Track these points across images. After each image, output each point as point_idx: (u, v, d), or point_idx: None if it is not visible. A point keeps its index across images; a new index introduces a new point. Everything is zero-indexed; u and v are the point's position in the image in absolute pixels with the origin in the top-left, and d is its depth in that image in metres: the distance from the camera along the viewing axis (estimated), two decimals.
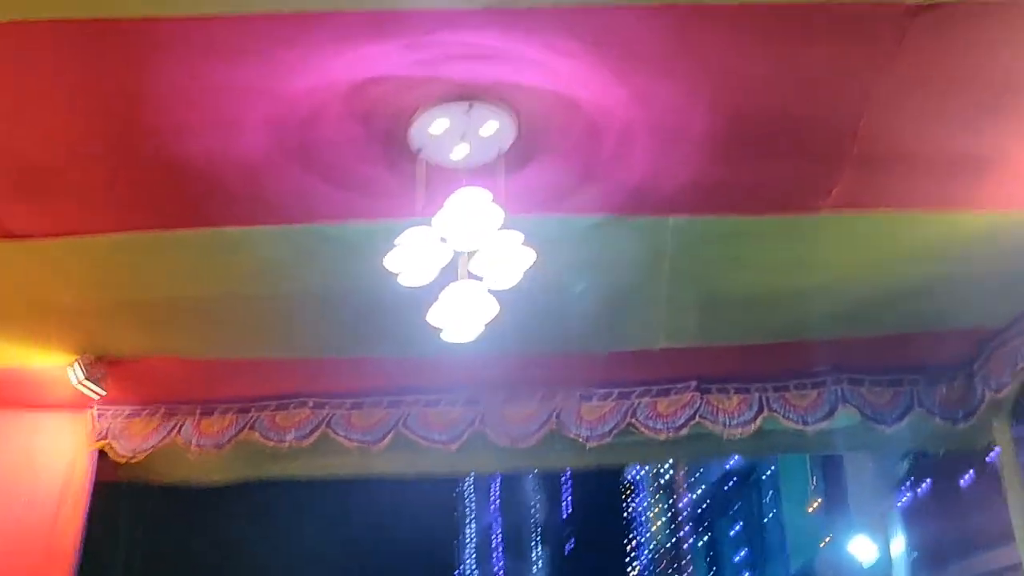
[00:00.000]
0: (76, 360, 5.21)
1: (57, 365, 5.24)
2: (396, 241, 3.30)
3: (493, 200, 3.30)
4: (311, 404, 5.79)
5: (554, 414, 5.61)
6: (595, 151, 3.58)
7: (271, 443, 5.77)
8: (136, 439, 5.78)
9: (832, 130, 3.44)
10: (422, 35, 2.96)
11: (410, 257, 3.32)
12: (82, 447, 5.73)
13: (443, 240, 3.33)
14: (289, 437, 5.77)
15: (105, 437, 5.76)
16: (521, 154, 3.54)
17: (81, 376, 5.22)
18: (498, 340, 3.72)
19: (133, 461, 5.76)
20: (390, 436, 5.68)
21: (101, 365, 5.33)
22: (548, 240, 3.60)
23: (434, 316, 3.36)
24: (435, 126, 3.35)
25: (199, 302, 4.68)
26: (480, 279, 3.38)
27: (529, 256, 3.39)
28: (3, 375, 5.40)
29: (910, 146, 3.53)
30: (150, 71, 3.10)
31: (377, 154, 3.53)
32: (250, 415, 5.83)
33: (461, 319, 3.32)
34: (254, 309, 4.74)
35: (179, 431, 5.81)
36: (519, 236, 3.37)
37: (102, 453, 5.75)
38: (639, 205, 3.89)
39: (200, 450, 5.79)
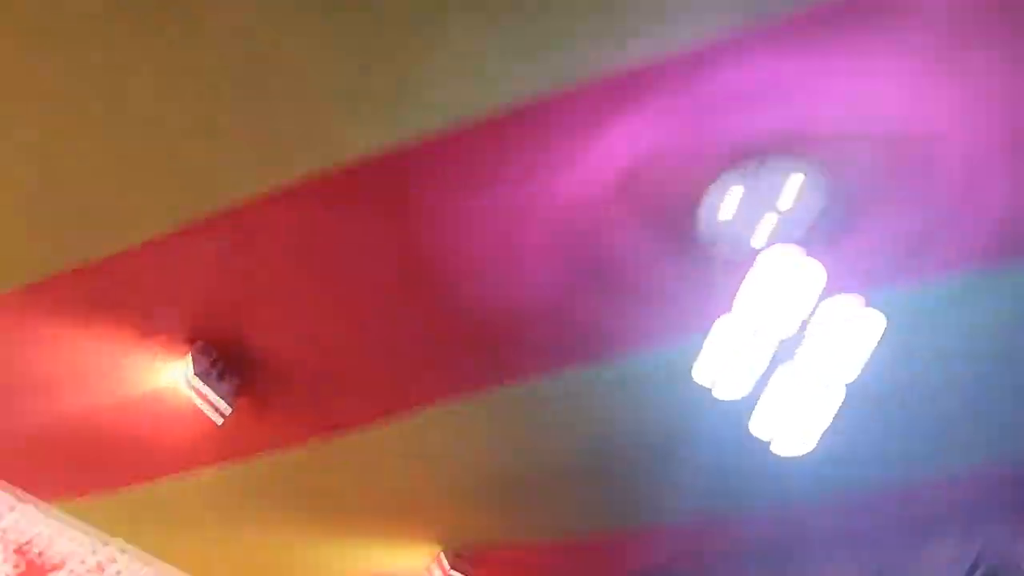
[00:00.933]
0: (436, 557, 5.06)
1: (425, 563, 5.13)
2: (705, 346, 2.76)
3: (812, 275, 2.67)
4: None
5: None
6: (935, 191, 2.84)
7: None
8: None
9: None
10: (682, 83, 2.51)
11: (724, 364, 2.74)
12: None
13: (759, 334, 2.73)
14: None
15: None
16: (838, 216, 2.89)
17: (442, 571, 5.03)
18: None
19: None
20: None
21: (462, 560, 5.13)
22: (894, 315, 2.84)
23: (759, 425, 2.70)
24: (726, 202, 2.84)
25: (523, 475, 4.33)
26: (809, 372, 2.69)
27: (871, 333, 2.67)
28: None
29: None
30: (419, 205, 2.93)
31: (669, 251, 3.07)
32: None
33: (794, 424, 2.63)
34: (592, 470, 4.28)
35: None
36: (855, 310, 2.68)
37: None
38: (1008, 247, 3.00)
39: None
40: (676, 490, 4.26)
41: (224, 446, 4.23)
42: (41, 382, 3.87)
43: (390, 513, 4.72)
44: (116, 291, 3.40)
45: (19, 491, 4.74)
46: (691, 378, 2.96)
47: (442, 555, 5.03)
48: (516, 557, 5.09)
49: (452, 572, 5.02)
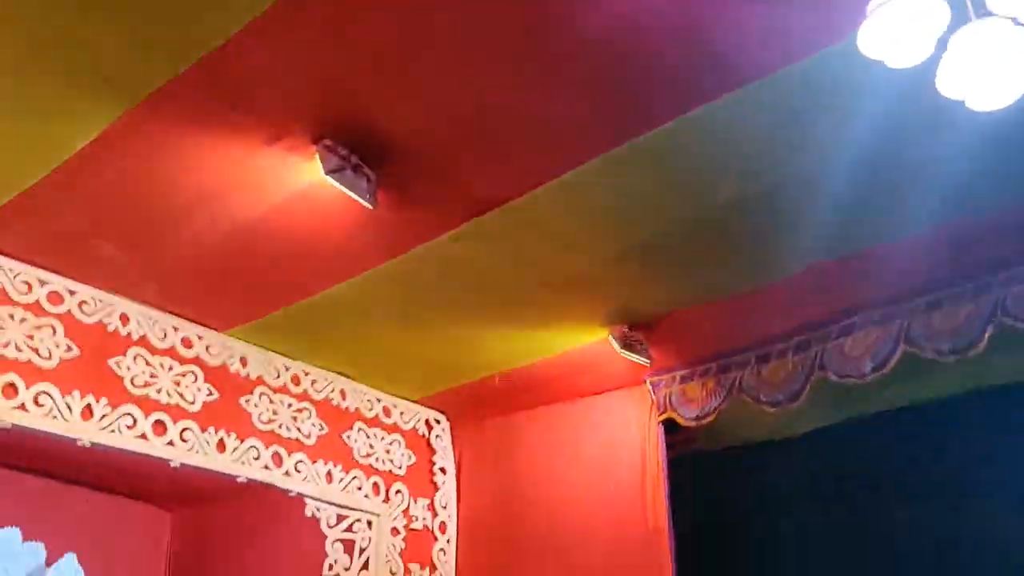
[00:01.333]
0: (608, 334, 4.95)
1: (598, 341, 5.04)
2: (869, 9, 2.34)
3: None
4: (877, 318, 4.78)
5: None
6: None
7: (850, 380, 4.86)
8: (696, 404, 5.33)
9: None
10: None
11: (895, 28, 2.31)
12: (648, 421, 5.46)
13: None
14: (867, 367, 4.81)
15: (666, 408, 5.41)
16: None
17: (618, 348, 4.94)
18: None
19: (701, 426, 5.32)
20: (988, 333, 4.42)
21: (636, 333, 5.01)
22: None
23: (946, 81, 2.30)
24: None
25: (685, 229, 4.07)
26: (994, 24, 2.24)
27: None
28: (556, 365, 5.37)
29: None
30: None
31: None
32: (811, 351, 5.01)
33: (991, 75, 2.21)
34: (749, 214, 3.96)
35: (739, 387, 5.23)
36: None
37: (672, 423, 5.42)
38: None
39: (770, 406, 5.11)
40: (851, 218, 3.91)
41: (378, 244, 4.19)
42: (187, 204, 3.90)
43: (556, 290, 4.60)
44: (227, 95, 3.31)
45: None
46: (862, 73, 2.56)
47: (612, 332, 4.95)
48: (687, 321, 4.92)
49: (623, 352, 4.95)
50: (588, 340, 5.08)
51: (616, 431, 5.60)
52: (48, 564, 5.54)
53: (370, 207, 3.71)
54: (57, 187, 3.78)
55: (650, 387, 5.48)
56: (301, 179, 3.70)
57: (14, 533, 5.57)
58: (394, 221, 3.99)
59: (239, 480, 4.90)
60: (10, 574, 5.52)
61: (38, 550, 5.64)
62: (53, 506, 6.07)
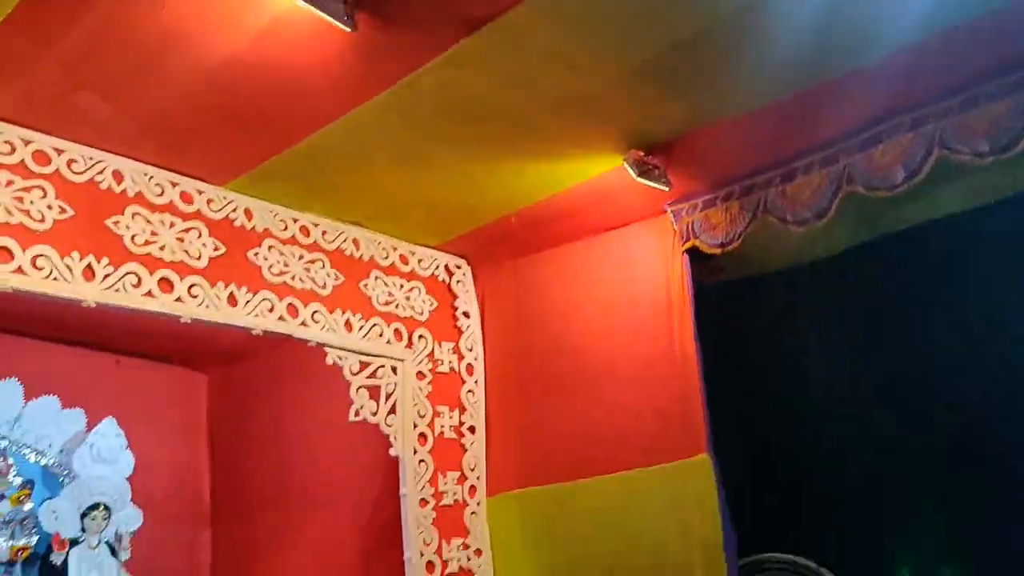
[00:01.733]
0: (623, 161, 4.70)
1: (613, 170, 4.80)
2: None
3: None
4: (908, 124, 4.46)
5: None
6: None
7: (880, 191, 4.59)
8: (720, 230, 5.11)
9: None
10: None
11: None
12: (671, 251, 5.26)
13: None
14: (899, 177, 4.53)
15: (689, 236, 5.20)
16: None
17: (634, 175, 4.70)
18: None
19: (727, 253, 5.11)
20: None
21: (652, 158, 4.75)
22: None
23: None
24: None
25: (694, 38, 3.75)
26: None
27: None
28: (572, 198, 5.15)
29: None
30: None
31: None
32: (839, 164, 4.73)
33: None
34: (763, 19, 3.63)
35: (764, 208, 4.98)
36: None
37: (696, 253, 5.22)
38: None
39: (798, 225, 4.87)
40: (870, 15, 3.55)
41: (367, 75, 3.94)
42: (161, 47, 3.68)
43: (562, 115, 4.31)
44: None
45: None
46: None
47: (627, 159, 4.69)
48: (705, 142, 4.64)
49: (639, 179, 4.71)
50: (602, 169, 4.83)
51: (639, 263, 5.43)
52: (89, 430, 5.66)
53: (348, 30, 3.46)
54: (19, 36, 3.57)
55: (671, 215, 5.25)
56: (273, 5, 3.45)
57: (52, 401, 5.68)
58: (380, 47, 3.71)
59: (254, 332, 4.82)
60: (52, 439, 5.66)
61: (78, 416, 5.77)
62: (91, 374, 6.16)
